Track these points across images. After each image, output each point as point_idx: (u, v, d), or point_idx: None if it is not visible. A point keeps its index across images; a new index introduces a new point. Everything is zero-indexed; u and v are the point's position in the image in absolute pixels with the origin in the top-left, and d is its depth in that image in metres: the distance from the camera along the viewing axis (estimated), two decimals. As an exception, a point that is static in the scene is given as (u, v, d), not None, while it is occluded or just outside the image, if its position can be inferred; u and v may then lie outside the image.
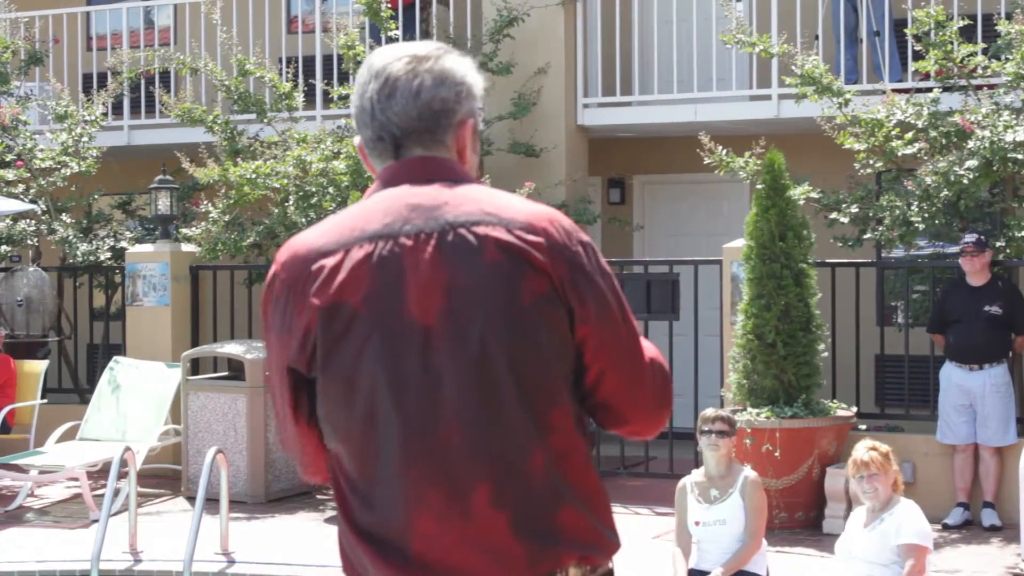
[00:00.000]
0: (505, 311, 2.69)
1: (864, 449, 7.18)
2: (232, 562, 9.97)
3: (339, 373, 2.71)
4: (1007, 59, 11.75)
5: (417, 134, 2.82)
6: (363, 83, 2.85)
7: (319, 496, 12.57)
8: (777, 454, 10.60)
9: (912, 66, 12.69)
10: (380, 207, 2.77)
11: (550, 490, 2.71)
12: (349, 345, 2.70)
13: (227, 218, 13.98)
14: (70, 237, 14.69)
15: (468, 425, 2.68)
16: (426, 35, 15.42)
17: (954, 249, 11.96)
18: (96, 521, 10.34)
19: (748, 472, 7.82)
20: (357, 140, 2.93)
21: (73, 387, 15.21)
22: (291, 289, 2.75)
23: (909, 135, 11.86)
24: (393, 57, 2.84)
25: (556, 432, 2.74)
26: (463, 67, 2.87)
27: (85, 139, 15.11)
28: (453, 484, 2.68)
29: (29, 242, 15.13)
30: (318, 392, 2.76)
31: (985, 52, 12.13)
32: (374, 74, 2.83)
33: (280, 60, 15.73)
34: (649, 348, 2.91)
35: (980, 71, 12.07)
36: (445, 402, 2.68)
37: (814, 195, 12.12)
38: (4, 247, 15.09)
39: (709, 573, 7.58)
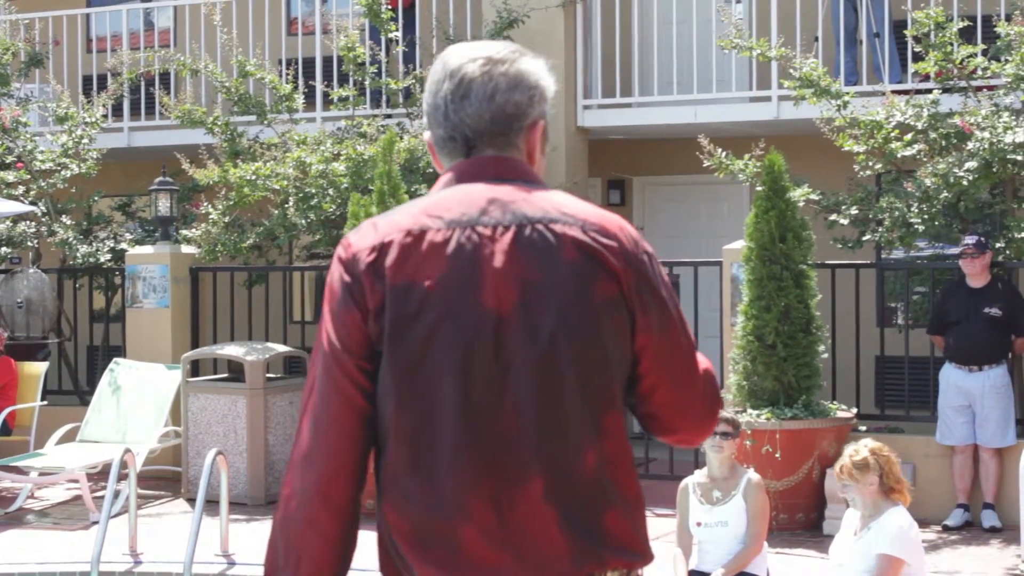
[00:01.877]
0: (577, 309, 2.72)
1: (846, 456, 7.16)
2: (232, 564, 9.98)
3: (406, 352, 2.71)
4: (1007, 60, 11.76)
5: (489, 136, 2.84)
6: (437, 81, 2.86)
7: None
8: (777, 455, 10.61)
9: (912, 67, 12.69)
10: (456, 197, 2.79)
11: (599, 491, 2.74)
12: (419, 326, 2.70)
13: (227, 219, 13.98)
14: (70, 239, 14.69)
15: (529, 417, 2.69)
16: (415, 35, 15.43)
17: (954, 250, 11.96)
18: (96, 523, 10.34)
19: (751, 474, 7.82)
20: (427, 136, 2.94)
21: (73, 389, 15.21)
22: (364, 262, 2.75)
23: (909, 137, 11.87)
24: (468, 57, 2.84)
25: (609, 435, 2.76)
26: (537, 70, 2.90)
27: (85, 141, 15.11)
28: (508, 475, 2.69)
29: (29, 244, 15.13)
30: (380, 371, 2.74)
31: (985, 53, 12.13)
32: (448, 74, 2.84)
33: (280, 62, 15.74)
34: (702, 360, 2.94)
35: (980, 72, 12.07)
36: (509, 392, 2.69)
37: (814, 197, 12.12)
38: (4, 249, 15.09)
39: (710, 574, 7.58)
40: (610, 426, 2.76)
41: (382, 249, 2.73)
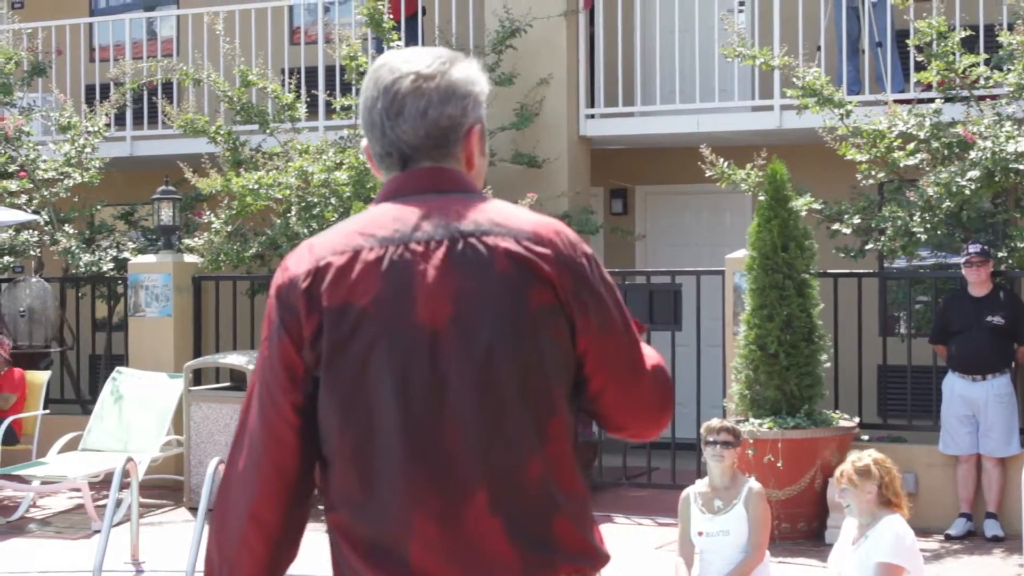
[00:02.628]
0: (512, 320, 2.71)
1: (848, 461, 7.14)
2: (234, 573, 9.96)
3: (344, 373, 2.72)
4: (1009, 70, 11.77)
5: (425, 150, 2.84)
6: (371, 98, 2.86)
7: (320, 507, 12.55)
8: (779, 465, 10.59)
9: (914, 77, 12.70)
10: (390, 214, 2.79)
11: (545, 500, 2.74)
12: (356, 345, 2.71)
13: (229, 229, 13.99)
14: (73, 248, 14.70)
15: (470, 430, 2.70)
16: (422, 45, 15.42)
17: (956, 260, 11.96)
18: (98, 532, 10.33)
19: (752, 483, 7.81)
20: (364, 144, 2.95)
21: (75, 398, 15.20)
22: (299, 289, 2.76)
23: (911, 146, 11.87)
24: (399, 72, 2.84)
25: (552, 442, 2.76)
26: (468, 76, 2.90)
27: (88, 150, 15.12)
28: (452, 488, 2.69)
29: (32, 253, 15.15)
30: (320, 395, 2.76)
31: (987, 63, 12.14)
32: (381, 90, 2.84)
33: (283, 71, 15.75)
34: (650, 355, 2.94)
35: (982, 82, 12.08)
36: (449, 406, 2.70)
37: (816, 206, 12.12)
38: (7, 258, 15.11)
39: (712, 584, 7.57)
40: (553, 433, 2.76)
41: (317, 273, 2.75)
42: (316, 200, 13.40)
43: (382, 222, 2.78)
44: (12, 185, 14.83)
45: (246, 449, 2.82)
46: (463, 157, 2.89)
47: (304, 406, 2.77)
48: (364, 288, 2.71)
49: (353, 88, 14.54)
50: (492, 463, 2.70)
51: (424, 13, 15.56)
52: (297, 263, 2.81)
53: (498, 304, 2.71)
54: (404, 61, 2.86)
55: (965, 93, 12.25)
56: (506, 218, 2.79)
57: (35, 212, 14.79)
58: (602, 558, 2.83)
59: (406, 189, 2.84)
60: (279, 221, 13.74)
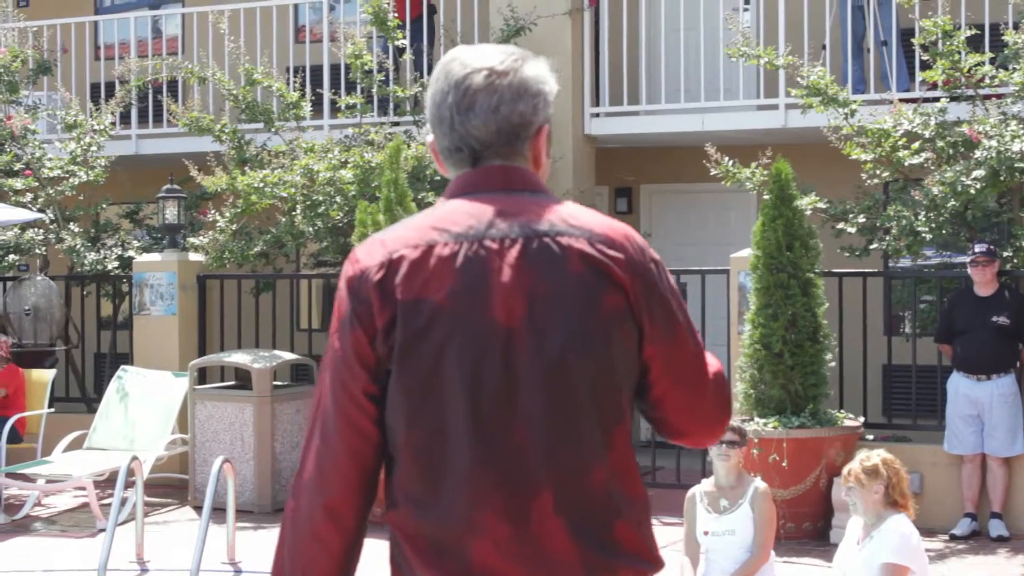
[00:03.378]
0: (585, 322, 2.72)
1: (857, 460, 7.13)
2: (239, 572, 9.99)
3: (416, 368, 2.71)
4: (1014, 69, 11.76)
5: (496, 147, 2.84)
6: (441, 91, 2.85)
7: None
8: (784, 464, 10.59)
9: (919, 76, 12.68)
10: (463, 210, 2.79)
11: (608, 503, 2.75)
12: (430, 341, 2.70)
13: (234, 227, 14.00)
14: (78, 246, 14.71)
15: (539, 430, 2.70)
16: (433, 45, 15.45)
17: (961, 259, 11.95)
18: (103, 530, 10.35)
19: (758, 483, 7.80)
20: (429, 139, 2.93)
21: (80, 396, 15.22)
22: (372, 281, 2.74)
23: (916, 145, 11.87)
24: (472, 68, 2.83)
25: (616, 448, 2.77)
26: (539, 75, 2.88)
27: (93, 148, 15.13)
28: (517, 488, 2.69)
29: (37, 251, 15.16)
30: (390, 388, 2.74)
31: (992, 62, 12.13)
32: (452, 84, 2.83)
33: (288, 69, 15.76)
34: (712, 362, 2.95)
35: (987, 81, 12.07)
36: (520, 406, 2.69)
37: (821, 205, 12.12)
38: (12, 256, 15.11)
39: (716, 583, 7.57)
40: (617, 439, 2.78)
41: (391, 265, 2.73)
42: (321, 199, 13.41)
43: (455, 218, 2.77)
44: (18, 183, 14.84)
45: (319, 443, 2.80)
46: (531, 156, 2.89)
47: (379, 397, 2.76)
48: (439, 283, 2.71)
49: (358, 87, 14.55)
50: (559, 464, 2.70)
51: (435, 12, 15.56)
52: (369, 255, 2.78)
53: (572, 306, 2.71)
54: (476, 57, 2.85)
55: (970, 92, 12.24)
56: (579, 219, 2.78)
57: (40, 210, 14.80)
58: (659, 563, 2.84)
59: (477, 186, 2.83)
60: (284, 219, 13.74)
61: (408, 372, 2.71)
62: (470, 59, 2.85)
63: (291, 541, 2.83)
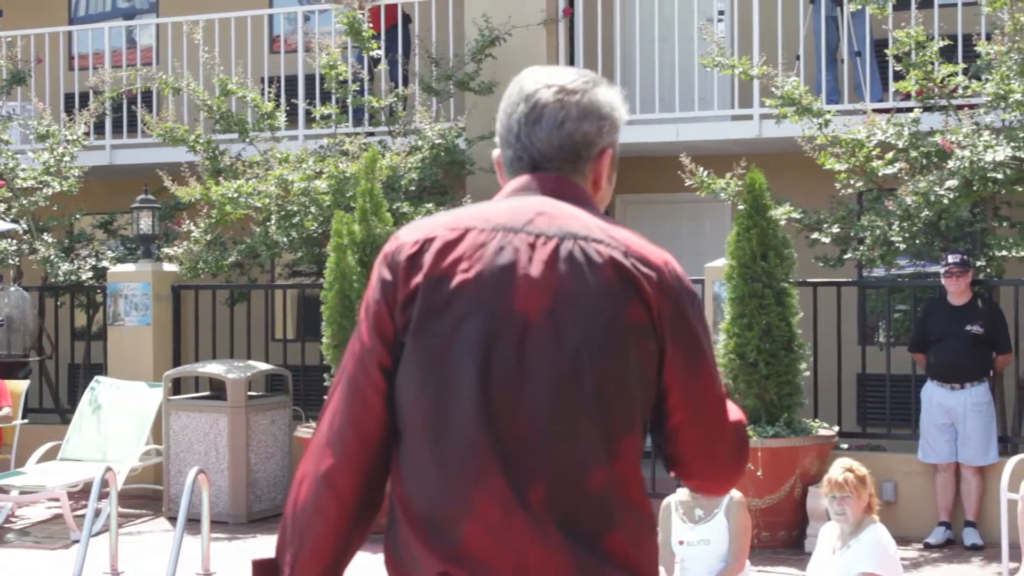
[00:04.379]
0: (605, 328, 2.74)
1: (840, 469, 7.14)
2: (214, 582, 9.95)
3: (430, 342, 2.75)
4: (987, 79, 11.80)
5: (557, 161, 2.91)
6: (512, 103, 2.94)
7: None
8: (759, 473, 10.61)
9: (893, 86, 12.73)
10: (507, 205, 2.86)
11: (602, 512, 2.74)
12: (447, 317, 2.75)
13: (209, 237, 13.98)
14: (52, 256, 14.66)
15: (541, 424, 2.71)
16: (407, 56, 15.45)
17: (935, 269, 11.99)
18: (77, 542, 10.30)
19: (733, 492, 7.80)
20: (496, 154, 3.02)
21: (54, 407, 15.17)
22: (406, 253, 2.81)
23: (890, 155, 11.91)
24: (543, 84, 2.92)
25: (622, 459, 2.77)
26: (610, 100, 2.96)
27: (67, 159, 15.08)
28: (516, 477, 2.70)
29: (10, 262, 15.10)
30: (402, 359, 2.79)
31: (965, 72, 12.18)
32: (524, 97, 2.92)
33: (262, 80, 15.74)
34: (734, 411, 2.97)
35: (960, 91, 12.12)
36: (526, 396, 2.72)
37: (795, 215, 12.15)
38: (-15, 267, 15.06)
39: (692, 593, 7.57)
40: (624, 450, 2.77)
41: (425, 243, 2.80)
42: (296, 209, 13.40)
43: (498, 210, 2.84)
44: (-10, 194, 14.80)
45: (330, 415, 2.87)
46: (591, 177, 2.96)
47: (391, 371, 2.80)
48: (467, 264, 2.76)
49: (333, 97, 14.55)
50: (556, 461, 2.71)
51: (409, 22, 15.57)
52: (408, 233, 2.86)
53: (594, 309, 2.74)
54: (551, 75, 2.95)
55: (943, 102, 12.29)
56: (618, 234, 2.84)
57: (14, 221, 14.74)
58: None
59: (528, 188, 2.90)
60: (259, 230, 13.72)
61: (422, 344, 2.75)
62: (544, 76, 2.94)
63: (294, 509, 2.89)
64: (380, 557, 2.88)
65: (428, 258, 2.78)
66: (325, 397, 2.91)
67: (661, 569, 7.75)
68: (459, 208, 2.90)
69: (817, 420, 11.39)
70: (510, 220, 2.80)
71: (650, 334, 2.78)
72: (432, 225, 2.85)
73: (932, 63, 12.05)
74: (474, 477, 2.70)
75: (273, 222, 13.54)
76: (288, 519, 2.90)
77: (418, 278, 2.77)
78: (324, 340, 11.80)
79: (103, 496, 10.70)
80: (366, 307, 2.86)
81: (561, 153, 2.90)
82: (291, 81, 15.52)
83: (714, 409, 2.90)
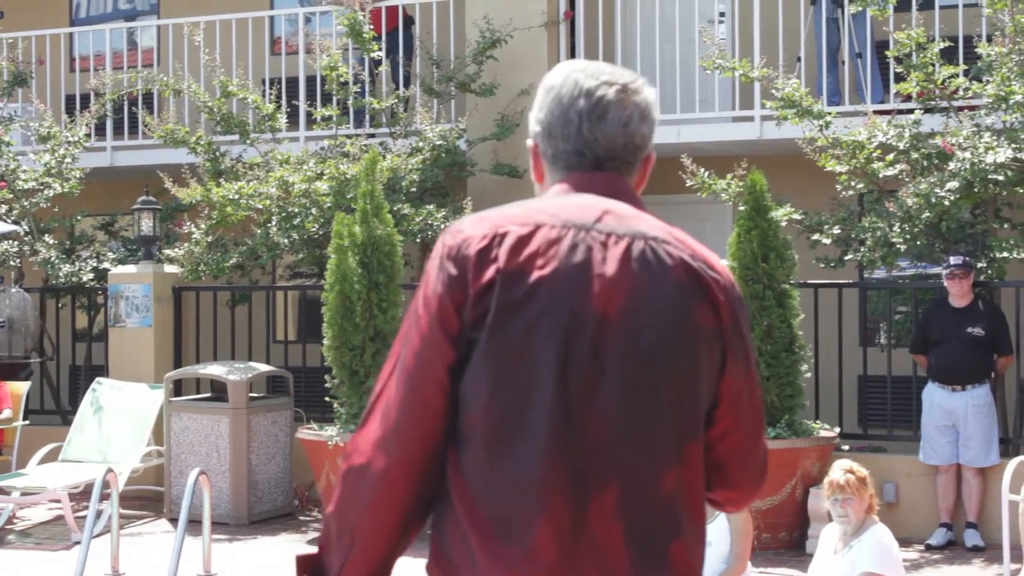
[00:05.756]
0: (678, 328, 2.73)
1: (841, 471, 7.14)
2: (215, 584, 9.95)
3: (508, 339, 2.68)
4: (988, 81, 11.81)
5: (618, 161, 2.89)
6: (569, 96, 2.88)
7: (301, 517, 12.56)
8: (760, 475, 10.60)
9: (894, 88, 12.73)
10: (573, 201, 2.80)
11: (670, 518, 2.71)
12: (525, 313, 2.68)
13: (210, 239, 13.98)
14: (53, 258, 14.67)
15: (616, 425, 2.67)
16: (410, 57, 15.46)
17: (936, 270, 12.00)
18: (78, 543, 10.30)
19: (733, 493, 7.80)
20: (530, 142, 2.97)
21: (55, 408, 15.17)
22: (474, 247, 2.73)
23: (891, 157, 11.91)
24: (602, 80, 2.88)
25: (689, 464, 2.75)
26: (656, 104, 2.96)
27: (68, 160, 15.08)
28: (589, 479, 2.65)
29: (12, 263, 15.11)
30: (473, 357, 2.70)
31: (966, 74, 12.18)
32: (583, 92, 2.87)
33: (263, 81, 15.75)
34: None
35: (961, 93, 12.12)
36: (601, 396, 2.67)
37: (796, 216, 12.15)
38: (-14, 268, 15.07)
39: (693, 594, 7.56)
40: (691, 455, 2.75)
41: (495, 237, 2.72)
42: (297, 210, 13.40)
43: (564, 206, 2.79)
44: (-8, 195, 14.80)
45: (385, 412, 2.76)
46: (637, 179, 2.95)
47: (455, 369, 2.72)
48: (543, 261, 2.70)
49: (334, 99, 14.55)
50: (630, 464, 2.67)
51: (411, 24, 15.58)
52: (473, 227, 2.77)
53: (669, 311, 2.72)
54: (605, 72, 2.91)
55: (944, 104, 12.30)
56: (682, 237, 2.84)
57: (15, 222, 14.74)
58: None
59: (585, 188, 2.85)
60: (259, 231, 13.73)
61: (498, 342, 2.68)
62: (598, 72, 2.90)
63: (342, 505, 2.79)
64: (416, 560, 2.81)
65: (502, 253, 2.70)
66: (372, 393, 2.82)
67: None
68: (516, 203, 2.84)
69: (818, 421, 11.39)
70: (579, 217, 2.75)
71: (717, 338, 2.77)
72: (497, 219, 2.77)
73: (933, 65, 12.05)
74: (549, 480, 2.64)
75: (274, 224, 13.54)
76: (335, 515, 2.80)
77: (491, 273, 2.69)
78: (325, 342, 11.80)
79: (104, 497, 10.71)
80: (425, 301, 2.75)
81: (625, 153, 2.89)
82: (292, 83, 15.52)
83: (756, 417, 2.90)
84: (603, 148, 2.87)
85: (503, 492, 2.66)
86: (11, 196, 14.93)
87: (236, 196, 13.53)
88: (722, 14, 15.05)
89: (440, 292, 2.73)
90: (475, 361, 2.70)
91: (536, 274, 2.69)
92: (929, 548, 10.91)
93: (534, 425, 2.66)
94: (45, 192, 14.92)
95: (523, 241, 2.72)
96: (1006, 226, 12.06)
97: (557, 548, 2.64)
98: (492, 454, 2.68)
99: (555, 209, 2.78)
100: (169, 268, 14.09)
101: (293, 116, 15.01)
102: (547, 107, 2.92)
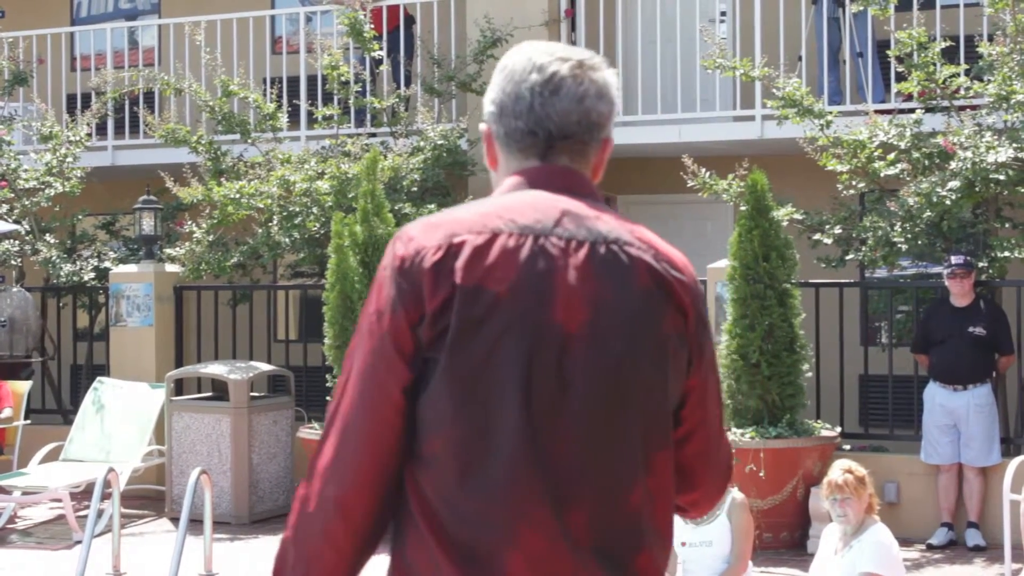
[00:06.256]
0: (647, 338, 2.62)
1: (839, 471, 7.14)
2: (216, 583, 9.96)
3: (469, 359, 2.54)
4: (989, 80, 11.80)
5: (571, 141, 2.73)
6: (521, 71, 2.73)
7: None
8: (761, 474, 10.61)
9: (895, 87, 12.73)
10: (528, 202, 2.66)
11: (636, 530, 2.63)
12: (486, 332, 2.54)
13: (211, 238, 13.98)
14: (54, 257, 14.67)
15: (584, 443, 2.57)
16: (411, 57, 15.46)
17: (937, 270, 11.99)
18: (79, 542, 10.30)
19: (735, 493, 7.81)
20: (484, 127, 2.82)
21: (57, 408, 15.17)
22: (429, 260, 2.58)
23: (892, 156, 11.91)
24: (556, 57, 2.74)
25: (657, 474, 2.66)
26: (615, 85, 2.79)
27: (69, 159, 15.09)
28: (558, 500, 2.55)
29: (13, 262, 15.11)
30: (434, 378, 2.56)
31: (967, 73, 12.18)
32: (536, 67, 2.72)
33: (264, 80, 15.75)
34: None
35: (962, 92, 12.12)
36: (566, 413, 2.56)
37: (797, 216, 12.15)
38: (-13, 267, 15.07)
39: (694, 594, 7.57)
40: (659, 465, 2.67)
41: (450, 248, 2.57)
42: (298, 209, 13.40)
43: (520, 209, 2.64)
44: (-7, 195, 14.81)
45: (339, 435, 2.62)
46: (593, 163, 2.79)
47: (410, 388, 2.58)
48: (502, 274, 2.56)
49: (335, 98, 14.55)
50: (599, 481, 2.58)
51: (412, 23, 15.58)
52: (426, 235, 2.61)
53: (635, 319, 2.61)
54: (562, 49, 2.77)
55: (945, 103, 12.29)
56: (642, 233, 2.70)
57: (16, 222, 14.75)
58: None
59: (543, 183, 2.71)
60: (260, 230, 13.73)
61: (459, 362, 2.54)
62: (555, 50, 2.76)
63: (298, 533, 2.65)
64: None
65: (459, 266, 2.56)
66: (326, 413, 2.68)
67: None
68: (469, 205, 2.69)
69: (819, 421, 11.38)
70: (536, 221, 2.61)
71: (684, 342, 2.68)
72: (451, 226, 2.62)
73: (934, 64, 12.05)
74: (518, 506, 2.53)
75: (275, 223, 13.55)
76: (290, 542, 2.67)
77: (448, 289, 2.55)
78: (326, 341, 11.80)
79: (105, 497, 10.71)
80: (377, 315, 2.61)
81: (579, 130, 2.72)
82: (293, 82, 15.52)
83: (719, 414, 2.82)
84: (555, 124, 2.70)
85: (471, 518, 2.55)
86: (12, 195, 14.93)
87: (237, 195, 13.53)
88: (723, 13, 15.05)
89: (393, 308, 2.59)
90: (435, 383, 2.57)
91: (496, 289, 2.55)
92: (930, 548, 10.91)
93: (499, 449, 2.54)
94: (46, 191, 14.92)
95: (480, 252, 2.57)
96: (1007, 225, 12.06)
97: (535, 570, 2.54)
98: (457, 480, 2.56)
99: (511, 212, 2.63)
100: (170, 267, 14.09)
101: (294, 115, 15.02)
102: (499, 86, 2.77)
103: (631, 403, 2.61)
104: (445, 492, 2.57)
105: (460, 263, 2.56)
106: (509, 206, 2.65)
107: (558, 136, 2.72)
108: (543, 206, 2.64)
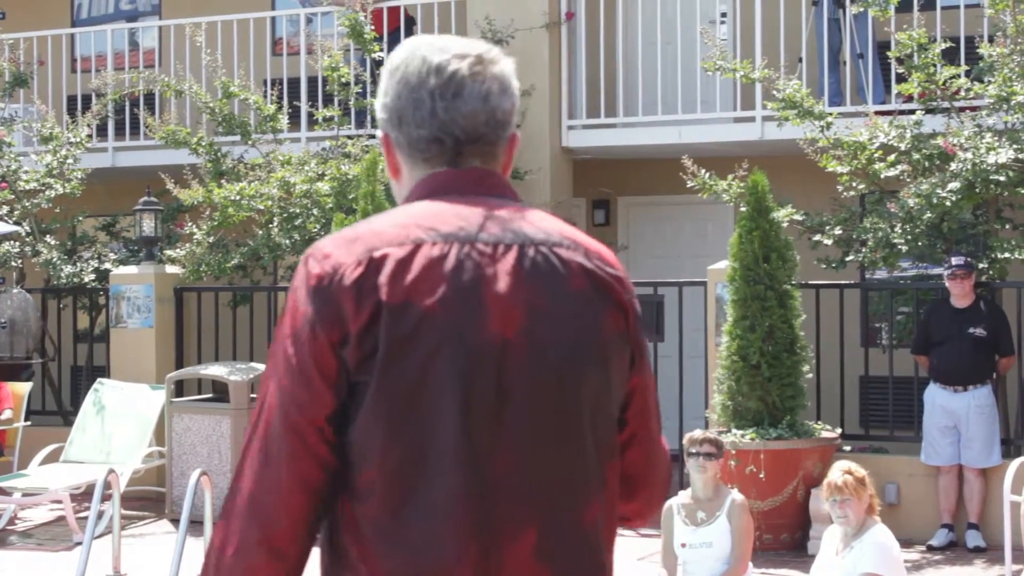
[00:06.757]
0: (588, 343, 2.48)
1: (839, 472, 7.14)
2: (216, 585, 9.92)
3: (400, 380, 2.38)
4: (989, 81, 11.80)
5: (481, 143, 2.56)
6: (417, 74, 2.54)
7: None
8: (762, 476, 10.61)
9: (895, 88, 12.73)
10: (449, 210, 2.48)
11: (596, 549, 2.49)
12: (417, 351, 2.38)
13: (211, 240, 13.98)
14: (54, 259, 14.67)
15: (527, 459, 2.41)
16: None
17: (938, 271, 11.99)
18: (80, 544, 10.30)
19: (735, 495, 7.81)
20: (380, 133, 2.64)
21: (57, 409, 15.16)
22: (349, 277, 2.40)
23: (892, 157, 11.91)
24: (453, 54, 2.55)
25: (610, 487, 2.53)
26: (514, 75, 2.62)
27: (70, 161, 15.08)
28: (500, 526, 2.39)
29: (13, 264, 15.10)
30: (366, 402, 2.39)
31: (968, 74, 12.18)
32: (433, 68, 2.53)
33: (265, 82, 15.73)
34: None
35: (963, 93, 12.12)
36: (509, 428, 2.41)
37: (798, 217, 12.15)
38: (-12, 269, 15.07)
39: (694, 595, 7.57)
40: (611, 475, 2.53)
41: (371, 263, 2.40)
42: (298, 211, 13.40)
43: (443, 217, 2.47)
44: (-7, 196, 14.81)
45: (260, 467, 2.43)
46: (503, 162, 2.63)
47: (335, 414, 2.41)
48: (429, 286, 2.40)
49: (335, 99, 14.54)
50: (547, 500, 2.42)
51: (413, 24, 15.58)
52: (344, 251, 2.44)
53: (573, 324, 2.46)
54: (457, 44, 2.58)
55: (946, 105, 12.29)
56: (570, 232, 2.54)
57: (16, 223, 14.74)
58: None
59: (454, 187, 2.54)
60: (261, 232, 13.73)
61: (390, 384, 2.38)
62: (449, 45, 2.57)
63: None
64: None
65: (383, 282, 2.38)
66: (246, 434, 2.49)
67: (664, 572, 7.77)
68: (388, 214, 2.52)
69: (820, 422, 11.38)
70: (460, 228, 2.44)
71: (627, 340, 2.53)
72: (370, 239, 2.45)
73: (934, 65, 12.05)
74: (457, 533, 2.37)
75: (275, 224, 13.54)
76: None
77: (372, 307, 2.37)
78: (326, 342, 11.78)
79: (106, 498, 10.70)
80: (293, 341, 2.42)
81: (488, 131, 2.54)
82: (293, 83, 15.52)
83: (657, 410, 2.67)
84: (462, 129, 2.52)
85: (410, 551, 2.38)
86: (12, 197, 14.93)
87: (237, 197, 13.53)
88: (723, 15, 15.04)
89: (312, 330, 2.41)
90: (366, 408, 2.40)
91: (424, 303, 2.38)
92: (931, 549, 10.91)
93: (436, 476, 2.37)
94: (47, 193, 14.92)
95: (403, 265, 2.40)
96: (1007, 227, 12.06)
97: None
98: (394, 510, 2.39)
99: (430, 220, 2.46)
100: (170, 269, 14.09)
101: (294, 117, 15.01)
102: (393, 90, 2.57)
103: (577, 411, 2.45)
104: (381, 523, 2.41)
105: (383, 278, 2.39)
106: (428, 214, 2.48)
107: (466, 140, 2.55)
108: (464, 211, 2.49)
